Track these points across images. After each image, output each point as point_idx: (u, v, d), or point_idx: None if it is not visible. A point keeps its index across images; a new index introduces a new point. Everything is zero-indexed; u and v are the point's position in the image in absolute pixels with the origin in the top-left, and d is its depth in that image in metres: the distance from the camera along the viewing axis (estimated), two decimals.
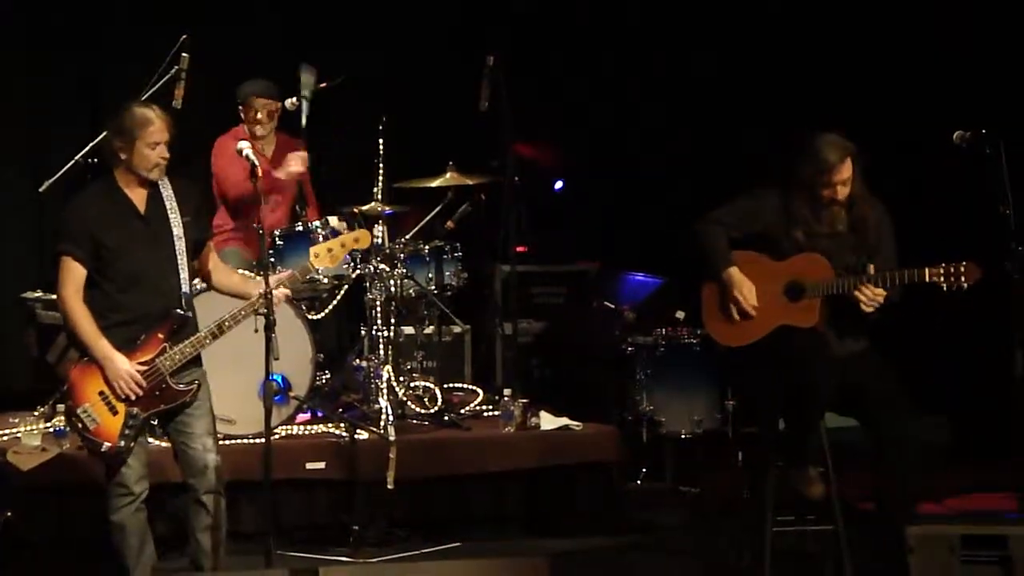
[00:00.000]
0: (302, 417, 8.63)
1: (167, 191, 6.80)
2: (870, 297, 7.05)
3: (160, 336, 6.71)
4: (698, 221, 7.36)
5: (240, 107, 9.08)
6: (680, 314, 9.22)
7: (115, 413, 6.68)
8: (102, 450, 6.69)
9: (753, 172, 7.50)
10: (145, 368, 6.67)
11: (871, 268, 7.09)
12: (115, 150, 6.74)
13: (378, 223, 8.91)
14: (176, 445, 6.84)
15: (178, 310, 6.73)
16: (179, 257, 6.75)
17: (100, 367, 6.65)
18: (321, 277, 8.47)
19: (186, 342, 6.74)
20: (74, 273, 6.67)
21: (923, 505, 7.88)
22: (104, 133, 7.53)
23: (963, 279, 6.98)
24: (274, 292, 6.73)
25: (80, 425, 6.69)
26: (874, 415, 7.12)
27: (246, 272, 8.34)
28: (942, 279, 7.00)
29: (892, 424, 7.06)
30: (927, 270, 7.01)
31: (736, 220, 7.32)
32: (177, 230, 6.75)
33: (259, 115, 9.01)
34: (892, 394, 7.12)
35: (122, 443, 6.67)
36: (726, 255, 7.28)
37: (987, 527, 6.59)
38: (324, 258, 7.04)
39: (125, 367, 6.64)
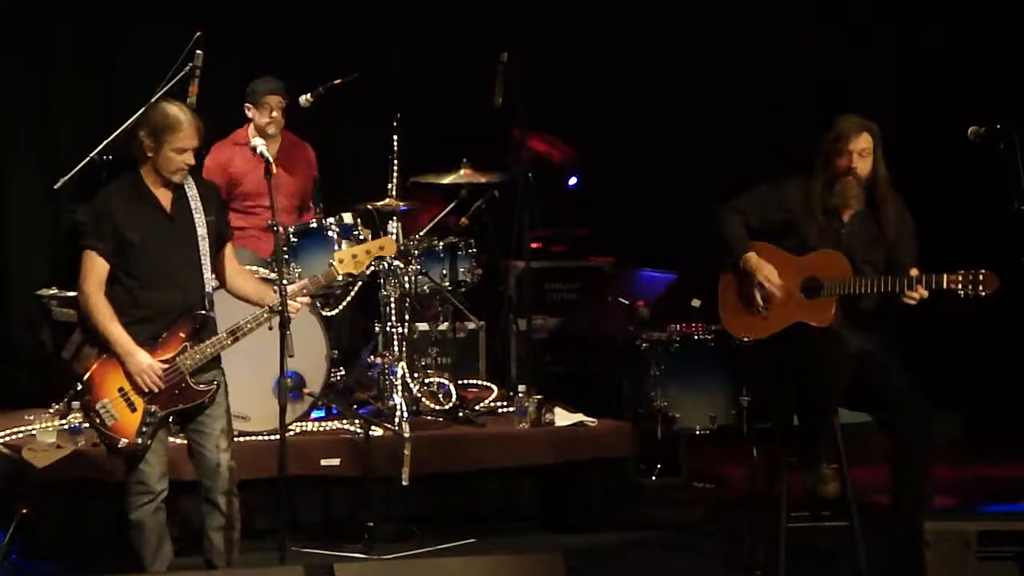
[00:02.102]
0: (316, 414, 8.63)
1: (192, 191, 6.80)
2: (917, 300, 7.05)
3: (182, 335, 6.71)
4: (717, 207, 7.35)
5: (250, 106, 9.03)
6: (696, 302, 9.18)
7: (134, 410, 6.69)
8: (119, 446, 6.70)
9: (767, 165, 7.51)
10: (166, 366, 6.69)
11: (914, 271, 7.07)
12: (144, 147, 6.74)
13: (392, 219, 8.91)
14: (191, 444, 6.85)
15: (201, 310, 6.74)
16: (203, 257, 6.75)
17: (121, 363, 6.66)
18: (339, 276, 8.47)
19: (207, 342, 6.75)
20: (97, 267, 6.68)
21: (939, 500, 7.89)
22: (122, 127, 7.54)
23: (981, 288, 6.97)
24: (292, 303, 6.72)
25: (98, 420, 6.70)
26: (888, 411, 7.12)
27: (261, 269, 8.37)
28: (960, 287, 6.99)
29: (907, 420, 7.05)
30: (945, 276, 7.00)
31: (757, 207, 7.32)
32: (201, 229, 6.76)
33: (274, 113, 8.99)
34: (906, 390, 7.11)
35: (139, 440, 6.68)
36: (744, 241, 7.26)
37: (1003, 523, 6.58)
38: (348, 264, 7.03)
39: (147, 361, 6.65)
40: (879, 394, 7.13)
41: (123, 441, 6.69)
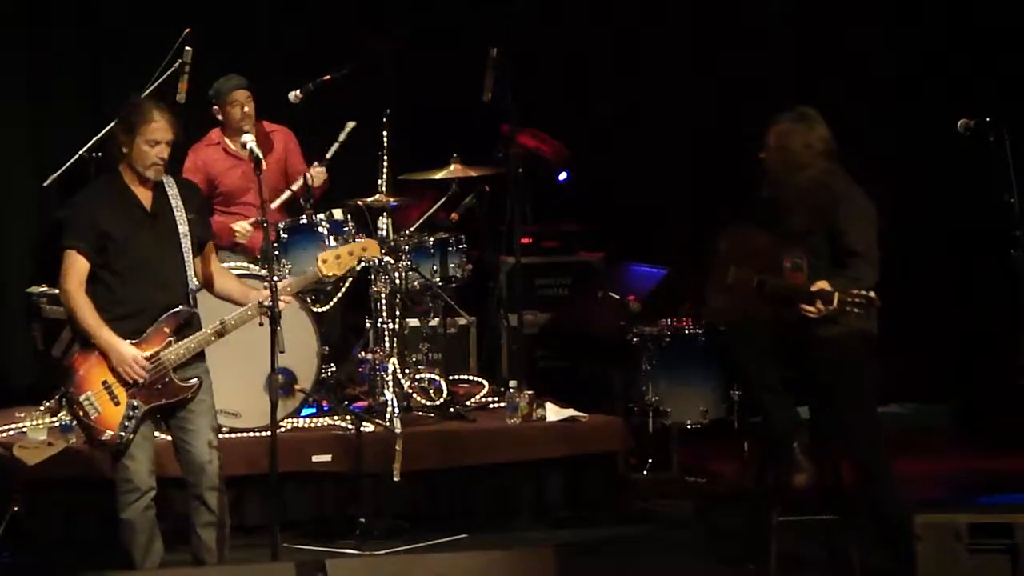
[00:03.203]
0: (308, 410, 8.63)
1: (172, 190, 6.80)
2: (815, 314, 6.98)
3: (166, 330, 6.71)
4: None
5: (217, 106, 8.95)
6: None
7: (117, 403, 6.68)
8: (103, 438, 6.68)
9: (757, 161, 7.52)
10: (150, 359, 6.68)
11: (819, 284, 6.97)
12: (119, 143, 6.74)
13: (383, 215, 8.91)
14: (176, 441, 6.83)
15: (184, 306, 6.73)
16: (185, 254, 6.75)
17: (105, 356, 6.66)
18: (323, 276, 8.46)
19: (191, 338, 6.74)
20: (78, 266, 6.68)
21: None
22: (109, 125, 7.53)
23: (860, 311, 6.86)
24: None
25: (81, 413, 6.69)
26: (823, 406, 7.16)
27: (250, 266, 8.36)
28: (846, 306, 6.89)
29: (835, 414, 7.08)
30: (836, 295, 6.86)
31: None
32: (183, 227, 6.75)
33: (245, 109, 8.93)
34: (833, 384, 7.07)
35: (122, 434, 6.67)
36: None
37: (994, 515, 6.58)
38: (332, 265, 7.03)
39: (132, 353, 6.64)
40: (818, 390, 7.15)
41: (107, 434, 6.68)
